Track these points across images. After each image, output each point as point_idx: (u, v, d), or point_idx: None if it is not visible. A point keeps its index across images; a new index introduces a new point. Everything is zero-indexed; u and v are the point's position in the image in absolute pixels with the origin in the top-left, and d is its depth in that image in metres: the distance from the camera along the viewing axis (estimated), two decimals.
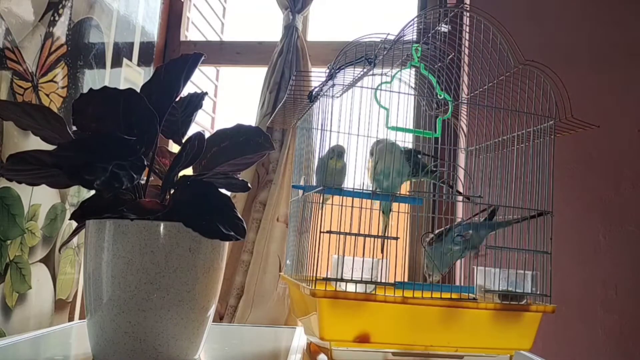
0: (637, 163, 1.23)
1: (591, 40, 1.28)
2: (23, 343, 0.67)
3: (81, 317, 1.18)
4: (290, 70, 1.31)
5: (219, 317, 1.25)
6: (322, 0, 1.47)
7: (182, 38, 1.50)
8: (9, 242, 0.90)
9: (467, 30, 0.72)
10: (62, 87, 1.03)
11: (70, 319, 1.12)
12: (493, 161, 0.71)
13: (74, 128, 0.57)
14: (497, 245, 0.62)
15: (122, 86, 1.24)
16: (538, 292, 0.61)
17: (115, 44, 1.21)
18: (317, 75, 0.67)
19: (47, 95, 0.99)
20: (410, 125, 0.74)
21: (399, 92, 0.64)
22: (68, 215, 1.05)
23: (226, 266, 0.84)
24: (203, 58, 0.59)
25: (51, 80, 1.00)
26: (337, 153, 0.67)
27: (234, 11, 1.70)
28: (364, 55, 0.62)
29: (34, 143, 0.92)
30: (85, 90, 1.09)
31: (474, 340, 0.59)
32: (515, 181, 0.66)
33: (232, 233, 0.54)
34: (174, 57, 1.55)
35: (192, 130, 0.66)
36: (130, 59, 1.28)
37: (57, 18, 1.00)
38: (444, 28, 0.65)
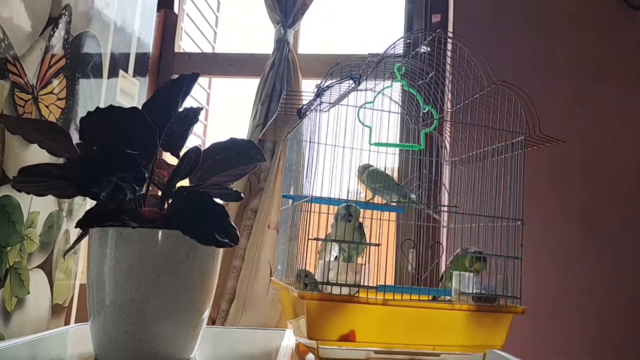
0: (611, 173, 1.29)
1: (569, 54, 1.35)
2: (26, 345, 0.70)
3: (77, 322, 1.21)
4: (282, 82, 1.36)
5: (211, 321, 1.29)
6: (313, 15, 1.52)
7: (177, 48, 1.55)
8: (8, 248, 0.93)
9: (449, 49, 0.77)
10: (61, 99, 1.07)
11: (67, 323, 1.15)
12: (470, 173, 0.76)
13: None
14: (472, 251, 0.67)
15: (118, 97, 1.28)
16: (509, 295, 0.66)
17: (112, 56, 1.25)
18: (307, 94, 0.72)
19: (47, 107, 1.02)
20: (396, 139, 0.80)
21: (382, 110, 0.69)
22: (65, 223, 1.09)
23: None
24: (200, 76, 0.64)
25: (51, 92, 1.04)
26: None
27: (226, 21, 1.75)
28: (349, 75, 0.67)
29: (34, 153, 0.96)
30: (83, 101, 1.13)
31: (450, 339, 0.64)
32: (490, 192, 0.71)
33: (226, 240, 0.58)
34: (168, 68, 1.59)
35: (188, 140, 0.70)
36: (126, 71, 1.32)
37: (56, 32, 1.03)
38: (423, 49, 0.71)
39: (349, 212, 0.69)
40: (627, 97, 1.32)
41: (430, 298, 0.69)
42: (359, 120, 0.69)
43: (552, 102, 1.31)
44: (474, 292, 0.65)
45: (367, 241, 0.68)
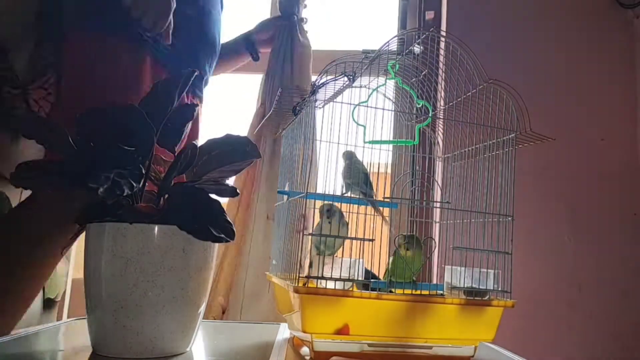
0: (601, 170, 1.32)
1: (561, 52, 1.37)
2: (20, 340, 0.70)
3: (69, 316, 1.21)
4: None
5: (222, 312, 1.28)
6: (308, 11, 1.52)
7: None
8: None
9: (442, 48, 0.78)
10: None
11: (59, 318, 1.15)
12: (462, 169, 0.78)
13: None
14: (463, 246, 0.68)
15: None
16: (500, 289, 0.68)
17: None
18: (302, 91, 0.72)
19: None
20: (390, 136, 0.81)
21: (376, 108, 0.70)
22: None
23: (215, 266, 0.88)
24: (195, 74, 0.64)
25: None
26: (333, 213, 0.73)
27: (227, 16, 1.75)
28: (344, 72, 0.68)
29: (27, 148, 0.95)
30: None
31: (442, 332, 0.65)
32: (481, 188, 0.72)
33: (222, 235, 0.59)
34: None
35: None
36: None
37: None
38: (417, 49, 0.72)
39: (327, 209, 0.72)
40: (617, 95, 1.34)
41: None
42: (353, 120, 0.70)
43: (544, 99, 1.33)
44: (466, 286, 0.66)
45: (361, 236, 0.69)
